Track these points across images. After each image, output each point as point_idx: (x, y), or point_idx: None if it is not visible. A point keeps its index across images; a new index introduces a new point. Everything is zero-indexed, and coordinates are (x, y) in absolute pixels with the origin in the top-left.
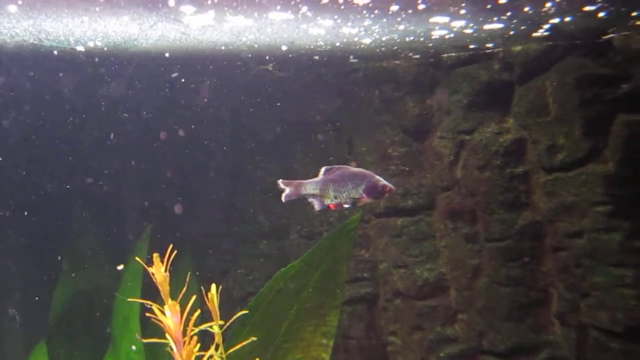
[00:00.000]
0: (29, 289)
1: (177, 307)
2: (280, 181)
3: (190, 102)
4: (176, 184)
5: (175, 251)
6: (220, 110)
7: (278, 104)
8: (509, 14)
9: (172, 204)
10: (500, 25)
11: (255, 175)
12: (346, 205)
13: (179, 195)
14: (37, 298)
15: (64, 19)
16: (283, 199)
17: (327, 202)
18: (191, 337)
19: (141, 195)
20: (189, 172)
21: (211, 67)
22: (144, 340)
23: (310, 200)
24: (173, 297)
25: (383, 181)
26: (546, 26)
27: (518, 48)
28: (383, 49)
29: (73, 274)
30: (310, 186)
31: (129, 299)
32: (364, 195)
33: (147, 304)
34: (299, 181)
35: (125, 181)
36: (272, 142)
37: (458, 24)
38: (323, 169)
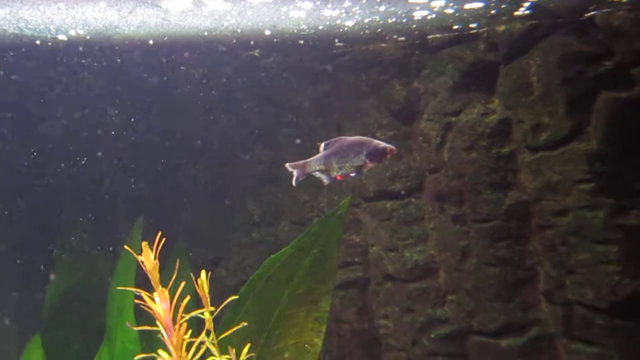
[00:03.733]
0: (22, 282)
1: (167, 294)
2: (287, 165)
3: (177, 90)
4: (167, 174)
5: (168, 240)
6: (207, 98)
7: (265, 90)
8: None
9: (164, 194)
10: (480, 4)
11: (245, 162)
12: (352, 174)
13: (170, 185)
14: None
15: (41, 6)
16: (294, 182)
17: (334, 174)
18: (181, 324)
19: (133, 185)
20: (179, 161)
21: (196, 53)
22: (135, 328)
23: (318, 176)
24: (166, 286)
25: (382, 143)
26: (526, 4)
27: (502, 28)
28: (367, 31)
29: (66, 266)
30: (315, 163)
31: (122, 289)
32: (367, 161)
33: (137, 292)
34: (304, 161)
35: (116, 172)
36: (260, 128)
37: (438, 3)
38: (323, 144)
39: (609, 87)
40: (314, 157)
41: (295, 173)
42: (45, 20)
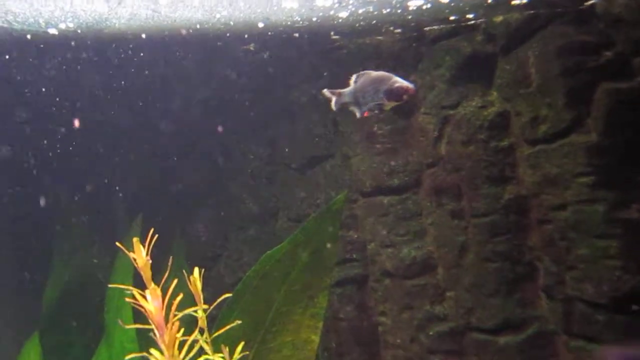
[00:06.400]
0: (20, 280)
1: (159, 292)
2: (325, 91)
3: (174, 86)
4: (165, 171)
5: (167, 238)
6: (204, 94)
7: (262, 85)
8: None
9: (163, 191)
10: None
11: (243, 159)
12: (376, 111)
13: (169, 183)
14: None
15: None
16: (333, 106)
17: (363, 109)
18: (173, 322)
19: (131, 183)
20: (177, 158)
21: (191, 48)
22: (127, 327)
23: (351, 109)
24: (165, 283)
25: (401, 82)
26: None
27: (500, 18)
28: (362, 23)
29: (64, 265)
30: (346, 95)
31: (118, 287)
32: (384, 98)
33: (129, 289)
34: (339, 90)
35: (114, 169)
36: (258, 124)
37: None
38: (354, 77)
39: (609, 78)
40: (346, 89)
41: (334, 99)
42: (34, 12)
